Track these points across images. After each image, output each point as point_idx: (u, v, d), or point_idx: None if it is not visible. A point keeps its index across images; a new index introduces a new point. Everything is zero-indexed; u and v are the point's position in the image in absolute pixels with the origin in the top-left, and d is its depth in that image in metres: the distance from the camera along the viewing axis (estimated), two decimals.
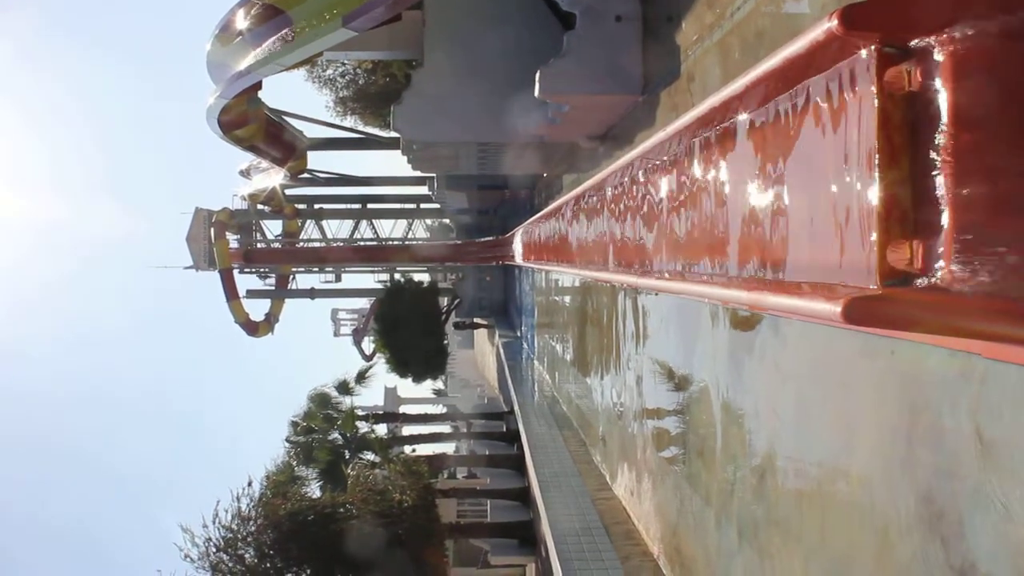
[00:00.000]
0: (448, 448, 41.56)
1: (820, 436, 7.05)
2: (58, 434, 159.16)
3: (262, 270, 50.60)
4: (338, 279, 56.79)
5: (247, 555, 22.26)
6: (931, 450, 5.20)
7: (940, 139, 3.32)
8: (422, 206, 53.04)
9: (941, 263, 3.33)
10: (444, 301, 51.48)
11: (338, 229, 55.56)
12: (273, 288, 51.24)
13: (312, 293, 54.41)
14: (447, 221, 56.60)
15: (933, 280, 3.39)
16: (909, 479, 5.43)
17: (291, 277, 52.43)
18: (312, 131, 33.57)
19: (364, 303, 60.72)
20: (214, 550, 22.07)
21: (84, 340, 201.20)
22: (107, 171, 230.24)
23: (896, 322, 3.54)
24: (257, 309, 46.84)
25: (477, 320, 56.71)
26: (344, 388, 36.45)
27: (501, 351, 41.99)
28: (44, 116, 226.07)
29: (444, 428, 42.78)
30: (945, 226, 3.30)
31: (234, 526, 22.46)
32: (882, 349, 5.69)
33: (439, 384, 64.95)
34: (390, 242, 55.02)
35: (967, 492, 4.82)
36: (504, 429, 38.52)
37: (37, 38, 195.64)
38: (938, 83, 3.37)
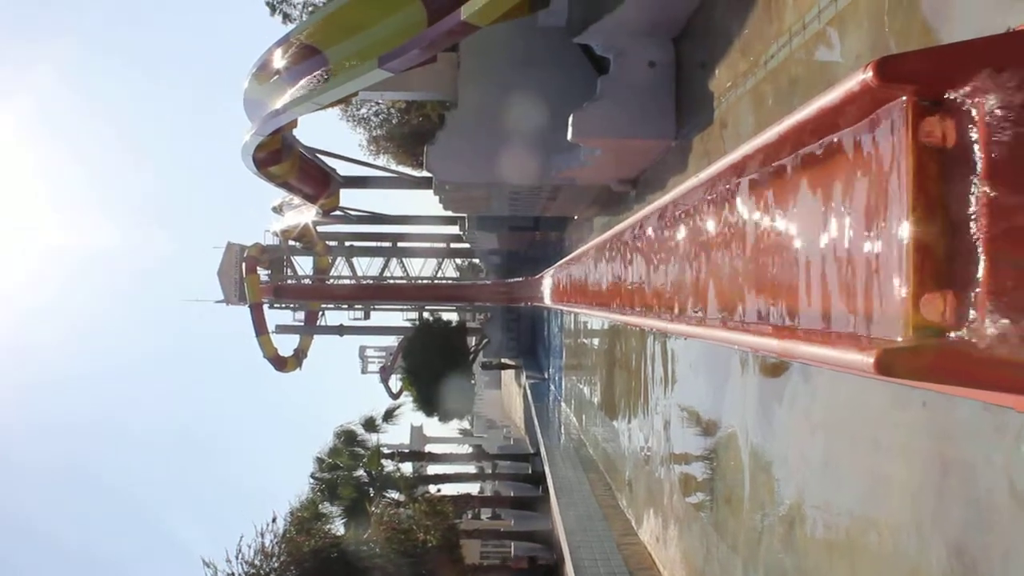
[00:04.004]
0: (473, 488, 41.44)
1: (850, 486, 6.99)
2: (81, 462, 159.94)
3: (292, 305, 50.85)
4: (367, 316, 56.93)
5: None
6: (963, 503, 5.15)
7: (975, 192, 3.32)
8: (452, 246, 53.24)
9: (975, 316, 3.32)
10: (472, 341, 51.51)
11: (368, 267, 55.83)
12: (302, 324, 51.43)
13: (341, 330, 54.54)
14: (477, 261, 56.74)
15: (967, 333, 3.37)
16: (940, 532, 5.37)
17: (320, 313, 52.62)
18: (345, 169, 33.86)
19: (392, 341, 60.84)
20: None
21: (115, 370, 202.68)
22: (140, 203, 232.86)
23: (928, 374, 3.52)
24: (286, 344, 47.01)
25: (505, 361, 56.66)
26: (371, 425, 36.42)
27: (528, 392, 41.92)
28: (81, 147, 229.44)
29: (469, 468, 42.68)
30: (979, 279, 3.29)
31: (257, 562, 22.45)
32: (914, 401, 5.66)
33: (465, 424, 64.84)
34: (419, 281, 55.19)
35: (1000, 547, 4.77)
36: (529, 471, 38.41)
37: (81, 66, 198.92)
38: (974, 136, 3.38)
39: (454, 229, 45.71)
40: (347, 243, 52.99)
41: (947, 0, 5.93)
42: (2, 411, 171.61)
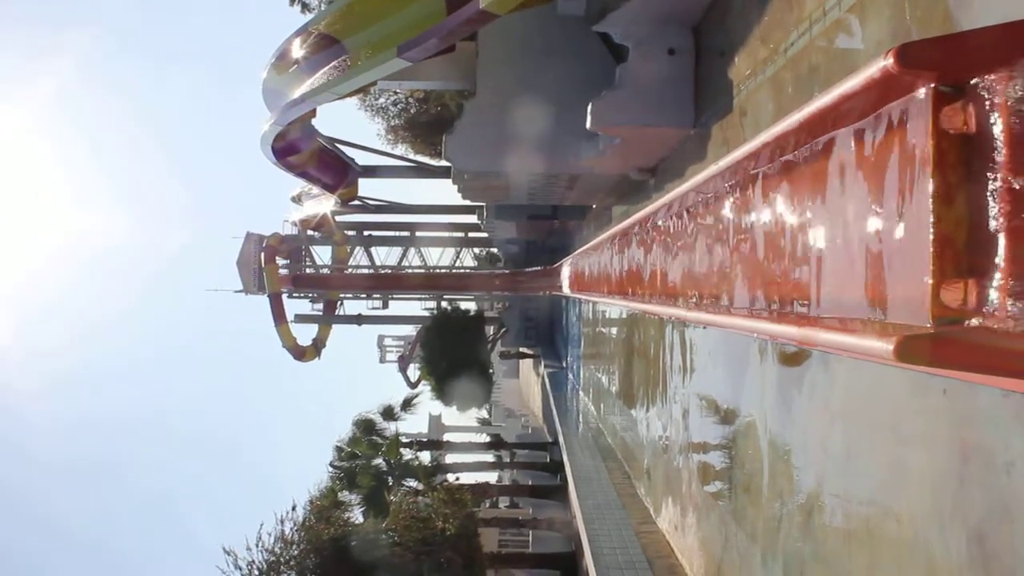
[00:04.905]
0: (491, 477, 41.50)
1: (869, 474, 6.99)
2: (97, 456, 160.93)
3: (311, 295, 50.99)
4: (385, 306, 57.03)
5: None
6: (983, 490, 5.14)
7: (996, 179, 3.32)
8: (470, 235, 53.26)
9: (995, 303, 3.32)
10: (490, 330, 51.53)
11: (387, 256, 55.94)
12: (321, 313, 51.55)
13: (359, 319, 54.64)
14: (495, 250, 56.72)
15: (987, 320, 3.38)
16: (960, 520, 5.37)
17: (339, 303, 52.72)
18: (363, 159, 33.88)
19: (410, 330, 60.95)
20: (257, 573, 22.17)
21: (132, 364, 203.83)
22: (158, 194, 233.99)
23: (948, 361, 3.52)
24: (305, 334, 47.14)
25: (523, 350, 56.69)
26: (389, 414, 36.56)
27: (546, 381, 41.94)
28: (98, 138, 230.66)
29: (487, 457, 42.70)
30: (1000, 267, 3.29)
31: (277, 549, 22.56)
32: (934, 388, 5.65)
33: (483, 413, 64.90)
34: (438, 270, 55.27)
35: (1021, 533, 4.76)
36: (548, 460, 38.47)
37: (98, 57, 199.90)
38: (994, 122, 3.37)
39: (472, 218, 45.70)
40: (365, 232, 53.11)
41: None
42: (21, 406, 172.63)
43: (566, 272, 26.43)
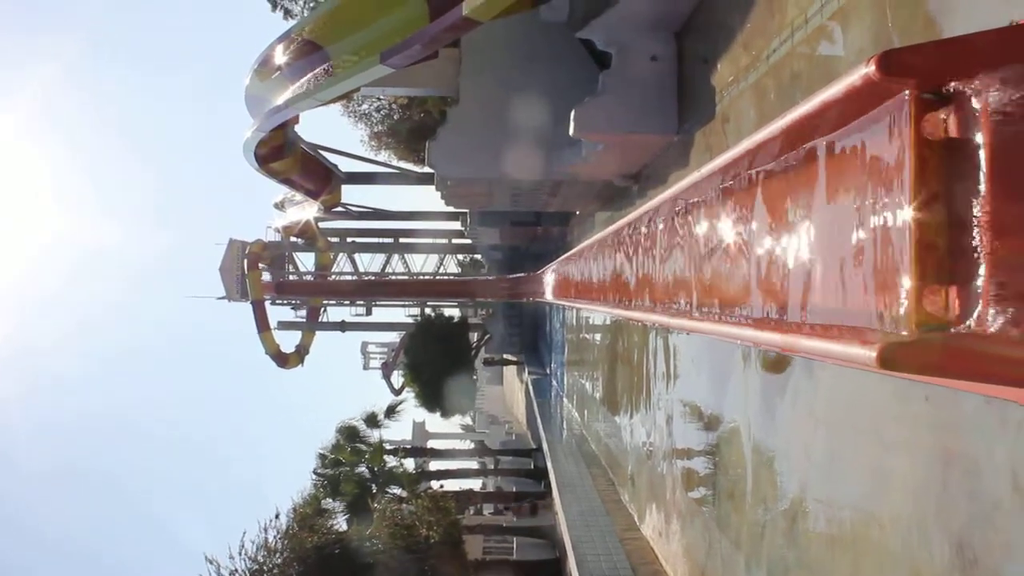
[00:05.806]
0: (475, 484, 41.49)
1: (852, 480, 6.99)
2: (83, 459, 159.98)
3: (294, 302, 50.80)
4: (369, 312, 56.90)
5: None
6: (966, 496, 5.15)
7: (978, 186, 3.32)
8: (454, 242, 53.22)
9: (978, 310, 3.32)
10: (474, 337, 51.50)
11: (370, 263, 55.82)
12: (304, 320, 51.38)
13: (343, 326, 54.52)
14: (479, 257, 56.69)
15: (969, 327, 3.37)
16: (943, 526, 5.38)
17: (322, 309, 52.55)
18: (346, 165, 33.84)
19: (394, 337, 60.83)
20: None
21: (115, 369, 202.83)
22: (142, 200, 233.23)
23: (931, 368, 3.52)
24: (288, 341, 46.97)
25: (507, 356, 56.66)
26: (372, 421, 36.50)
27: (530, 388, 41.93)
28: (82, 144, 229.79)
29: (472, 464, 42.65)
30: (982, 274, 3.29)
31: (260, 558, 22.47)
32: (916, 395, 5.66)
33: (467, 420, 64.81)
34: (421, 277, 55.19)
35: (1003, 540, 4.77)
36: (532, 466, 38.46)
37: (82, 63, 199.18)
38: (977, 130, 3.37)
39: (456, 225, 45.68)
40: (349, 239, 52.97)
41: None
42: (2, 410, 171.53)
43: (549, 279, 26.42)
